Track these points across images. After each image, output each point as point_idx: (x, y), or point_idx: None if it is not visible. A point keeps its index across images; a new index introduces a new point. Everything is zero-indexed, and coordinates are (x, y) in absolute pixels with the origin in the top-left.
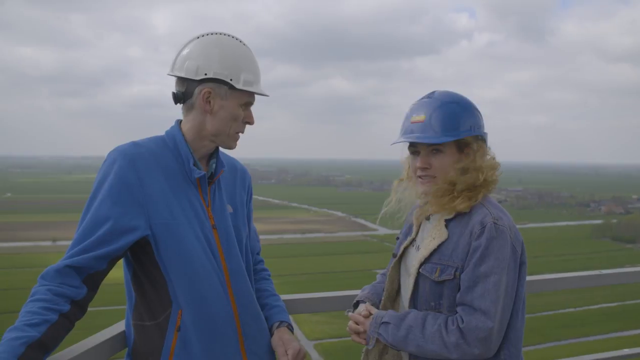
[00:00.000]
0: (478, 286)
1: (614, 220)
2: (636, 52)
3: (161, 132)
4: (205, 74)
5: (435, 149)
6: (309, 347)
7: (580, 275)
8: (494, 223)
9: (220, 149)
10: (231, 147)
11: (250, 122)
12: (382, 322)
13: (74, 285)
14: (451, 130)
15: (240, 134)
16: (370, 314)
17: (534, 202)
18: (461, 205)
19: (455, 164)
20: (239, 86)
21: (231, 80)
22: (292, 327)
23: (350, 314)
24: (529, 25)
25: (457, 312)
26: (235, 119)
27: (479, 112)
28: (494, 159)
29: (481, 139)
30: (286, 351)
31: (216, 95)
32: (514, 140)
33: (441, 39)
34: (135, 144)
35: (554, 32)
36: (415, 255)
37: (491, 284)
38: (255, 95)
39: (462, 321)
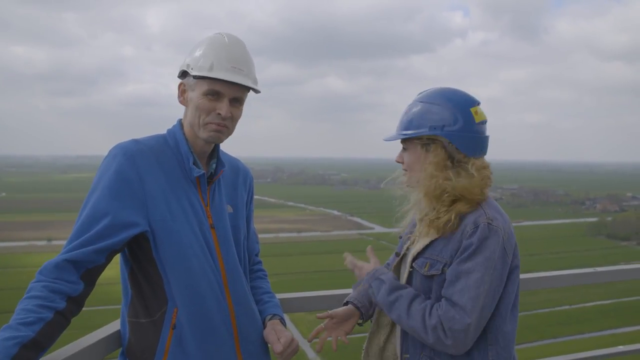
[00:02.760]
0: (459, 281)
1: (609, 218)
2: (630, 50)
3: (156, 130)
4: (181, 70)
5: (404, 146)
6: (305, 345)
7: (576, 272)
8: (488, 223)
9: (222, 149)
10: (212, 140)
11: (222, 114)
12: (379, 278)
13: (70, 280)
14: (405, 129)
15: (218, 125)
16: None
17: (529, 200)
18: (441, 228)
19: (420, 163)
20: (193, 73)
21: (192, 69)
22: (284, 321)
23: (350, 259)
24: (523, 24)
25: None
26: (199, 109)
27: (454, 113)
28: (477, 171)
29: (449, 142)
30: (279, 339)
31: (188, 88)
32: (509, 138)
33: (436, 37)
34: (136, 141)
35: (548, 30)
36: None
37: (472, 280)
38: (243, 90)
39: (442, 310)
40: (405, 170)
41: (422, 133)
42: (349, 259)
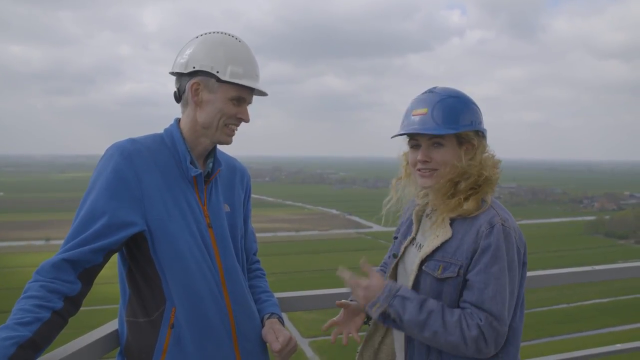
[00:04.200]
0: (489, 288)
1: (607, 217)
2: (627, 49)
3: (154, 130)
4: (194, 68)
5: (436, 142)
6: (303, 344)
7: (573, 271)
8: (502, 224)
9: (219, 148)
10: (226, 142)
11: (244, 119)
12: (398, 295)
13: (68, 280)
14: (452, 124)
15: (235, 129)
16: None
17: (527, 199)
18: (469, 208)
19: (455, 158)
20: (225, 78)
21: (217, 72)
22: (282, 320)
23: (351, 280)
24: (520, 22)
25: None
26: (223, 113)
27: (479, 108)
28: (494, 156)
29: (481, 135)
30: (277, 338)
31: (204, 88)
32: (507, 137)
33: (433, 35)
34: (132, 141)
35: (545, 28)
36: (416, 253)
37: (501, 286)
38: (253, 95)
39: (481, 320)
40: (434, 169)
41: (472, 128)
42: (347, 276)
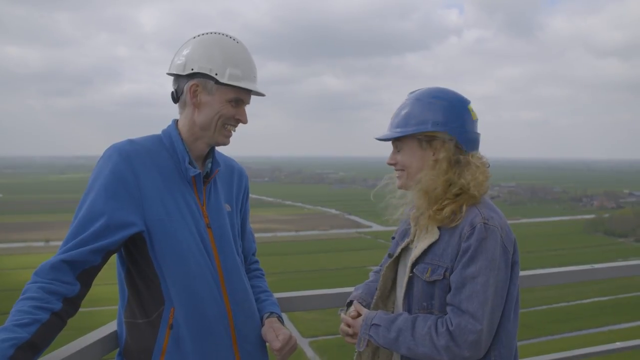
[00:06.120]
0: (466, 287)
1: (606, 215)
2: (625, 47)
3: (153, 130)
4: (192, 69)
5: (396, 145)
6: (304, 344)
7: (573, 269)
8: (484, 223)
9: (217, 148)
10: (223, 143)
11: (242, 121)
12: (373, 324)
13: (67, 281)
14: (404, 127)
15: (232, 130)
16: (360, 314)
17: (526, 198)
18: (444, 218)
19: (416, 159)
20: (223, 80)
21: (216, 74)
22: (282, 319)
23: (342, 316)
24: (518, 21)
25: (447, 313)
26: (221, 115)
27: (451, 109)
28: (478, 166)
29: (451, 138)
30: (277, 336)
31: (203, 90)
32: (505, 136)
33: (431, 35)
34: (131, 142)
35: (543, 27)
36: (410, 256)
37: (479, 285)
38: (251, 95)
39: (452, 324)
40: (402, 170)
41: (424, 129)
42: (341, 326)
